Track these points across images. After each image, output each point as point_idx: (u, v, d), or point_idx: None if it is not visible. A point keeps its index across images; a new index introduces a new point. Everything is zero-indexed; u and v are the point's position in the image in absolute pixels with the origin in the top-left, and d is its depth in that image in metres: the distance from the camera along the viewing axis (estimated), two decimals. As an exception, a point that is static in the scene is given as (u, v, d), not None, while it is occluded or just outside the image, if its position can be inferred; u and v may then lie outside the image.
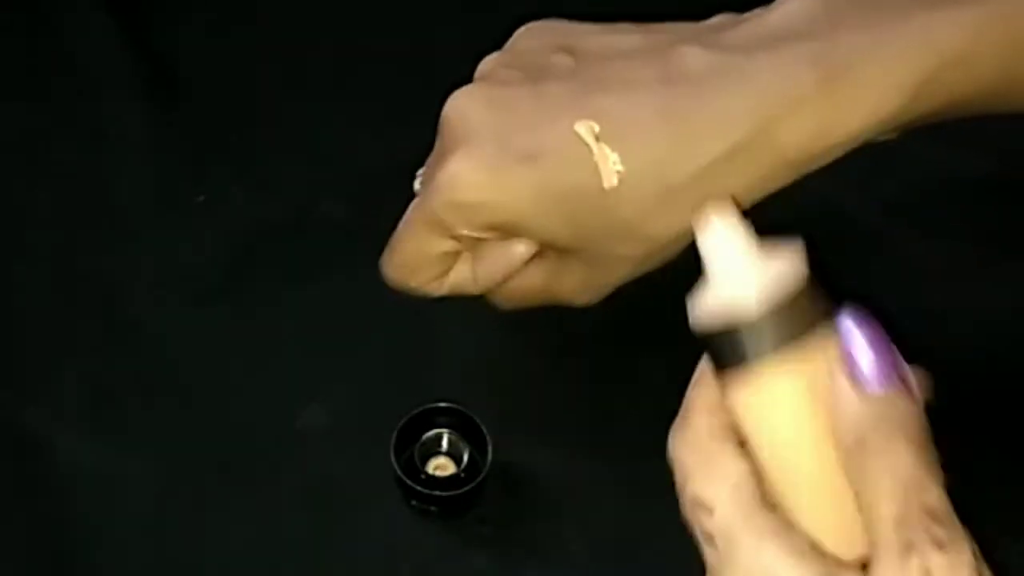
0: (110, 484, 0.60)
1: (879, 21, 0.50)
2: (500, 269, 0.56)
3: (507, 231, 0.55)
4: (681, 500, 0.42)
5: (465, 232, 0.54)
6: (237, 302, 0.64)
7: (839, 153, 0.51)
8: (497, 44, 0.58)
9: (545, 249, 0.56)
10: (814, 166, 0.51)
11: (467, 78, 0.56)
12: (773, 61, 0.50)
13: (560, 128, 0.51)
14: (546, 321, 0.61)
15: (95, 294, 0.65)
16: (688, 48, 0.51)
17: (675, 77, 0.51)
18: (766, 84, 0.49)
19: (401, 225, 0.56)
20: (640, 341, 0.62)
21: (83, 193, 0.67)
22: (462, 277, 0.57)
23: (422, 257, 0.56)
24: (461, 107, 0.54)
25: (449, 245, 0.55)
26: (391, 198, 0.63)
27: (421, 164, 0.58)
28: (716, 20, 0.54)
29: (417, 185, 0.57)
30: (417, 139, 0.61)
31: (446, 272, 0.57)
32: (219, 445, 0.60)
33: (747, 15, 0.53)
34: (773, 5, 0.52)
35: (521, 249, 0.55)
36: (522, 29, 0.56)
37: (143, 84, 0.70)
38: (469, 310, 0.62)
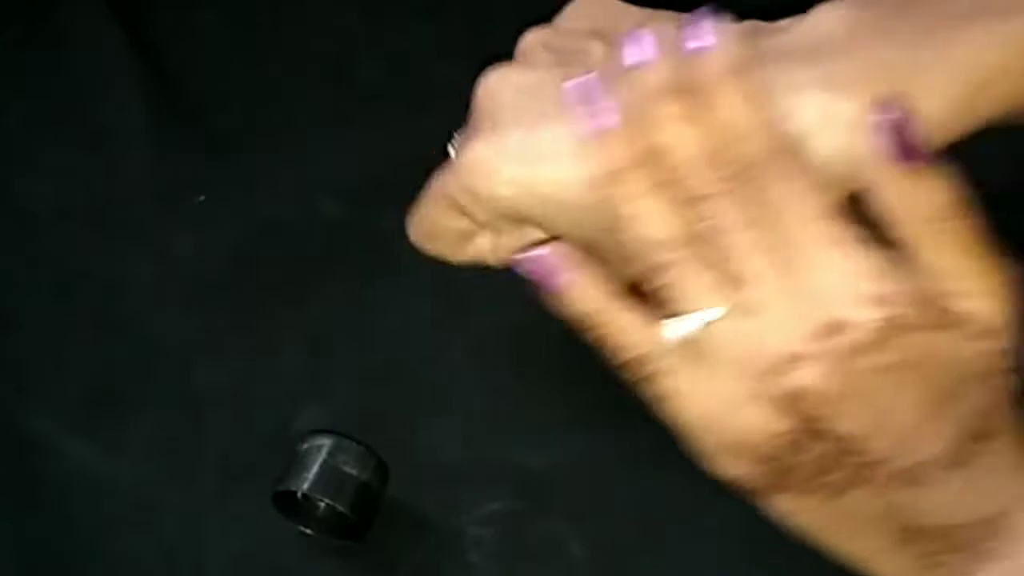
0: (110, 484, 0.60)
1: (912, 43, 0.49)
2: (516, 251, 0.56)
3: (521, 222, 0.55)
4: None
5: (480, 217, 0.54)
6: (237, 302, 0.64)
7: None
8: (495, 44, 0.57)
9: None
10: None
11: (466, 78, 0.56)
12: (800, 77, 0.49)
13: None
14: (545, 320, 0.61)
15: (95, 294, 0.65)
16: None
17: None
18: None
19: (425, 191, 0.56)
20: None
21: (83, 193, 0.67)
22: (482, 250, 0.57)
23: (440, 228, 0.56)
24: (492, 88, 0.54)
25: (466, 224, 0.55)
26: (391, 198, 0.63)
27: (420, 165, 0.58)
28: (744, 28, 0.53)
29: (451, 150, 0.57)
30: (417, 139, 0.60)
31: (466, 243, 0.57)
32: (218, 445, 0.60)
33: (775, 25, 0.52)
34: (797, 19, 0.51)
35: (538, 235, 0.55)
36: (572, 4, 0.56)
37: (143, 84, 0.70)
38: (467, 311, 0.62)
